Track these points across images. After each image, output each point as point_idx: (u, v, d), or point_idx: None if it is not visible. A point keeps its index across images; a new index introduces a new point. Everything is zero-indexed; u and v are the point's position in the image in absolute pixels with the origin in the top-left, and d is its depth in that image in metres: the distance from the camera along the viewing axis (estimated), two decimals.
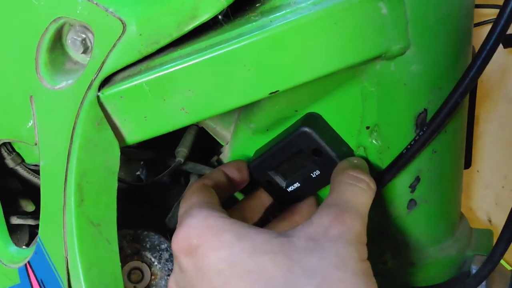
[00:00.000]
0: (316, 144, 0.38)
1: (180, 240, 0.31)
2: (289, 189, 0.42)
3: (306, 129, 0.38)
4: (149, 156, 0.43)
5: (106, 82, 0.33)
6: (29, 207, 0.43)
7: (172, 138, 0.48)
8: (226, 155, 0.46)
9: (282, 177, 0.42)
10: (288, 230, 0.32)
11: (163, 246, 0.35)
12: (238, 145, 0.45)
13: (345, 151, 0.40)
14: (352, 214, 0.32)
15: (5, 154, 0.38)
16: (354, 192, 0.34)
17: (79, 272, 0.31)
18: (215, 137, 0.46)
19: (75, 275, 0.31)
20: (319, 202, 0.44)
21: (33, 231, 0.46)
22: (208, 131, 0.46)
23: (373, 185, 0.35)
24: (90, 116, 0.32)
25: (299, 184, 0.42)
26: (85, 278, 0.31)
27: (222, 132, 0.46)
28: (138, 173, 0.45)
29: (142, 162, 0.45)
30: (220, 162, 0.47)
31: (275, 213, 0.44)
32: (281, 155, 0.40)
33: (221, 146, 0.48)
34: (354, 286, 0.29)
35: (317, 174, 0.40)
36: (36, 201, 0.44)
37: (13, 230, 0.40)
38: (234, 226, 0.31)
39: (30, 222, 0.42)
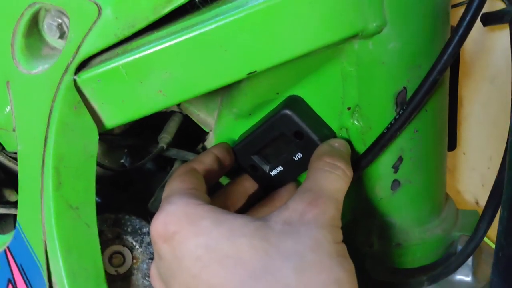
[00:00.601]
0: (297, 127, 0.38)
1: (158, 226, 0.31)
2: (273, 173, 0.42)
3: (287, 111, 0.38)
4: (132, 143, 0.43)
5: (83, 66, 0.33)
6: (13, 197, 0.43)
7: (156, 126, 0.48)
8: (211, 141, 0.46)
9: (265, 161, 0.42)
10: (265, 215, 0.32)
11: (144, 230, 0.35)
12: (222, 131, 0.45)
13: (327, 134, 0.40)
14: (326, 200, 0.32)
15: None
16: (330, 178, 0.34)
17: (57, 256, 0.31)
18: (199, 123, 0.46)
19: (54, 258, 0.31)
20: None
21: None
22: (192, 118, 0.46)
23: (349, 173, 0.36)
24: (66, 100, 0.32)
25: (282, 168, 0.42)
26: (64, 261, 0.31)
27: (206, 119, 0.46)
28: (122, 161, 0.45)
29: (126, 150, 0.45)
30: (205, 149, 0.47)
31: (258, 200, 0.44)
32: (264, 138, 0.40)
33: (206, 133, 0.48)
34: (329, 267, 0.29)
35: (299, 157, 0.40)
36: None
37: None
38: (212, 213, 0.31)
39: (14, 211, 0.42)
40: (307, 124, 0.38)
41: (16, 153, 0.40)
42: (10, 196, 0.43)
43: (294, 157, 0.40)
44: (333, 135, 0.40)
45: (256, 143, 0.41)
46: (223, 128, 0.45)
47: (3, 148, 0.38)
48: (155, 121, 0.47)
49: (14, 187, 0.44)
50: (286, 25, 0.32)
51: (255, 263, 0.28)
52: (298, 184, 0.44)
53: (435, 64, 0.35)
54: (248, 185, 0.43)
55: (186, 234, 0.30)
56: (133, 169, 0.42)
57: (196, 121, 0.46)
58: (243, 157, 0.42)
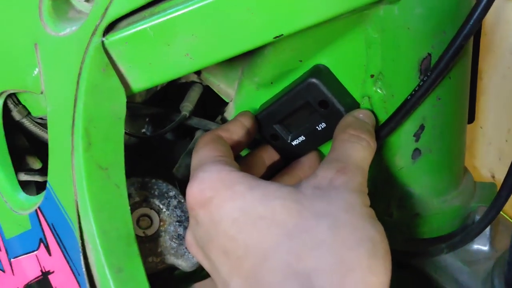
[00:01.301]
0: (323, 96, 0.39)
1: (195, 193, 0.32)
2: (294, 142, 0.42)
3: (314, 80, 0.38)
4: (154, 111, 0.43)
5: (110, 28, 0.33)
6: (36, 165, 0.43)
7: (176, 97, 0.48)
8: (231, 112, 0.47)
9: (287, 130, 0.42)
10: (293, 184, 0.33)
11: (171, 194, 0.35)
12: (242, 101, 0.45)
13: (352, 104, 0.40)
14: (354, 168, 0.33)
15: (11, 106, 0.38)
16: (355, 149, 0.35)
17: (89, 215, 0.31)
18: (219, 94, 0.46)
19: (86, 217, 0.31)
20: (321, 157, 0.44)
21: (39, 189, 0.47)
22: (212, 88, 0.46)
23: (373, 144, 0.36)
24: (95, 62, 0.33)
25: (304, 138, 0.42)
26: (95, 221, 0.31)
27: (226, 89, 0.46)
28: (143, 130, 0.45)
29: (147, 119, 0.45)
30: (224, 121, 0.47)
31: (279, 170, 0.45)
32: (287, 107, 0.40)
33: (225, 106, 0.48)
34: (362, 226, 0.29)
35: (323, 127, 0.40)
36: (43, 158, 0.44)
37: (20, 186, 0.41)
38: (246, 179, 0.32)
39: (38, 178, 0.42)
40: (333, 94, 0.39)
41: (41, 118, 0.40)
42: (33, 163, 0.43)
43: (317, 127, 0.40)
44: (357, 105, 0.40)
45: (279, 112, 0.41)
46: (243, 98, 0.45)
47: (29, 112, 0.39)
48: (175, 92, 0.47)
49: (38, 154, 0.44)
50: None
51: (289, 223, 0.29)
52: (319, 153, 0.44)
53: (460, 29, 0.35)
54: (268, 155, 0.43)
55: (222, 198, 0.30)
56: (155, 137, 0.42)
57: (216, 91, 0.46)
58: (265, 126, 0.42)
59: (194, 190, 0.32)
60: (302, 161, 0.43)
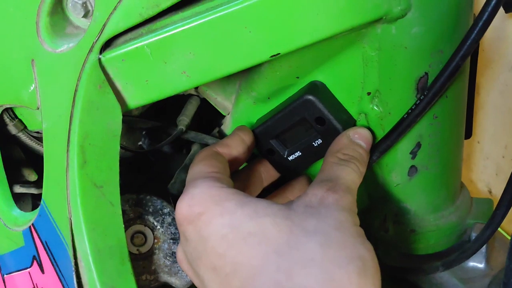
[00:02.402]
0: (319, 113, 0.38)
1: (183, 208, 0.31)
2: (290, 158, 0.42)
3: (310, 97, 0.38)
4: (150, 125, 0.43)
5: (107, 45, 0.33)
6: (32, 177, 0.43)
7: (173, 109, 0.48)
8: (228, 125, 0.46)
9: (284, 145, 0.42)
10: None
11: (165, 211, 0.35)
12: (240, 115, 0.45)
13: (348, 120, 0.40)
14: (343, 187, 0.33)
15: (7, 120, 0.38)
16: (345, 171, 0.35)
17: (83, 233, 0.31)
18: (216, 107, 0.46)
19: (79, 235, 0.31)
20: (310, 181, 0.44)
21: (35, 201, 0.47)
22: (210, 101, 0.46)
23: (362, 169, 0.37)
24: (92, 79, 0.32)
25: (300, 153, 0.42)
26: (89, 239, 0.31)
27: (224, 103, 0.46)
28: (140, 142, 0.45)
29: (144, 132, 0.45)
30: (221, 133, 0.47)
31: (275, 184, 0.45)
32: (284, 122, 0.40)
33: (222, 118, 0.48)
34: (353, 245, 0.29)
35: (319, 143, 0.40)
36: (38, 171, 0.44)
37: (15, 199, 0.40)
38: (236, 196, 0.32)
39: (33, 191, 0.42)
40: (329, 111, 0.39)
41: (37, 132, 0.40)
42: (29, 175, 0.43)
43: (313, 143, 0.40)
44: (353, 122, 0.40)
45: (275, 127, 0.41)
46: (241, 112, 0.45)
47: (25, 127, 0.39)
48: (172, 104, 0.47)
49: (34, 166, 0.44)
50: (311, 7, 0.32)
51: (279, 239, 0.28)
52: (308, 177, 0.44)
53: (458, 49, 0.35)
54: (264, 169, 0.43)
55: (211, 214, 0.30)
56: (152, 151, 0.42)
57: (213, 104, 0.46)
58: (261, 140, 0.42)
59: (183, 205, 0.31)
60: (292, 184, 0.43)
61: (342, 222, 0.30)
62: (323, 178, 0.34)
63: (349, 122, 0.40)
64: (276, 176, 0.44)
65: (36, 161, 0.43)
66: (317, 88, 0.39)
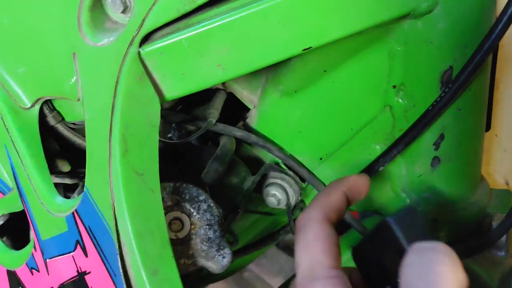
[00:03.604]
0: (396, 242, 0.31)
1: None
2: None
3: (389, 219, 0.31)
4: (180, 118, 0.44)
5: (146, 39, 0.35)
6: (65, 167, 0.45)
7: (199, 103, 0.49)
8: (253, 118, 0.48)
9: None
10: None
11: (201, 198, 0.36)
12: (266, 109, 0.46)
13: None
14: None
15: (46, 112, 0.39)
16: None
17: (126, 218, 0.32)
18: (242, 100, 0.47)
19: (122, 221, 0.32)
20: None
21: (66, 195, 0.48)
22: (236, 95, 0.47)
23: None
24: (132, 72, 0.34)
25: None
26: (131, 224, 0.32)
27: (250, 96, 0.47)
28: (169, 135, 0.46)
29: (173, 125, 0.46)
30: (246, 126, 0.49)
31: None
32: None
33: (246, 112, 0.49)
34: None
35: None
36: (72, 161, 0.45)
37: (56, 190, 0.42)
38: None
39: (67, 181, 0.44)
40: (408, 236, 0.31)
41: (74, 123, 0.42)
42: (62, 166, 0.44)
43: None
44: None
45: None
46: (267, 105, 0.46)
47: (63, 118, 0.40)
48: (196, 97, 0.49)
49: (67, 158, 0.45)
50: (343, 2, 0.33)
51: None
52: None
53: (482, 43, 0.36)
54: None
55: None
56: (183, 142, 0.43)
57: (239, 98, 0.47)
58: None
59: None
60: None
61: None
62: None
63: None
64: None
65: (69, 152, 0.44)
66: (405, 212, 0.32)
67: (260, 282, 1.23)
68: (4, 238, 0.50)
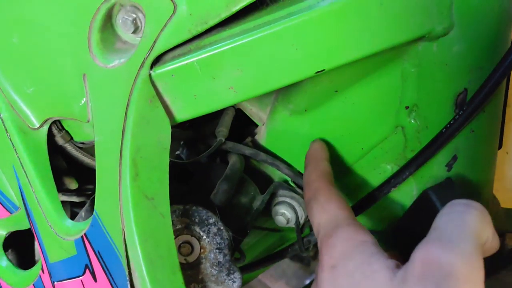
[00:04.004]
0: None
1: (326, 257, 0.33)
2: None
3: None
4: (189, 135, 0.44)
5: (156, 61, 0.34)
6: (73, 185, 0.44)
7: (207, 119, 0.49)
8: (262, 135, 0.47)
9: None
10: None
11: (211, 221, 0.36)
12: (275, 126, 0.46)
13: None
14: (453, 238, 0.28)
15: (55, 131, 0.39)
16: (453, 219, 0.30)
17: (136, 244, 0.32)
18: (251, 117, 0.47)
19: (132, 246, 0.32)
20: None
21: (73, 210, 0.48)
22: (245, 112, 0.47)
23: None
24: (143, 94, 0.33)
25: None
26: (142, 249, 0.32)
27: (259, 113, 0.47)
28: (178, 152, 0.46)
29: (182, 142, 0.46)
30: (254, 143, 0.48)
31: None
32: None
33: (253, 127, 0.49)
34: None
35: None
36: (79, 179, 0.45)
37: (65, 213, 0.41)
38: (363, 255, 0.31)
39: (74, 199, 0.43)
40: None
41: (82, 143, 0.41)
42: (70, 184, 0.44)
43: None
44: None
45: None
46: (276, 123, 0.46)
47: (71, 138, 0.40)
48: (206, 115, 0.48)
49: (74, 175, 0.45)
50: (357, 25, 0.33)
51: None
52: None
53: (498, 66, 0.36)
54: None
55: (339, 271, 0.31)
56: (192, 161, 0.43)
57: (248, 115, 0.47)
58: None
59: (326, 255, 0.33)
60: None
61: None
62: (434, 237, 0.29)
63: None
64: None
65: (76, 170, 0.44)
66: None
67: (262, 286, 1.23)
68: (9, 251, 0.50)
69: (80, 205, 0.46)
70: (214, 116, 0.48)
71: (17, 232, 0.47)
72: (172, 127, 0.44)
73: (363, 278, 0.30)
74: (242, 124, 0.50)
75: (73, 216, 0.47)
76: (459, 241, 0.28)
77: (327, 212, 0.36)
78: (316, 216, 0.36)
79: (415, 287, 0.27)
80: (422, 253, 0.28)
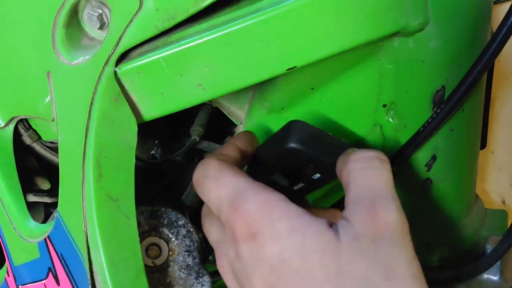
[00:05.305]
0: (306, 157, 0.35)
1: (241, 227, 0.30)
2: (295, 187, 0.38)
3: (293, 145, 0.34)
4: (163, 134, 0.43)
5: (123, 57, 0.33)
6: (45, 185, 0.43)
7: (185, 118, 0.48)
8: None
9: (285, 178, 0.38)
10: (332, 220, 0.30)
11: (180, 222, 0.35)
12: (253, 124, 0.45)
13: (341, 148, 0.35)
14: (383, 203, 0.29)
15: (22, 131, 0.38)
16: (370, 175, 0.31)
17: (99, 246, 0.31)
18: (229, 116, 0.46)
19: (95, 248, 0.31)
20: None
21: (48, 209, 0.47)
22: (223, 111, 0.46)
23: (383, 156, 0.32)
24: (107, 92, 0.32)
25: (303, 184, 0.38)
26: (104, 252, 0.31)
27: (236, 112, 0.46)
28: (152, 152, 0.45)
29: (156, 141, 0.45)
30: None
31: None
32: (277, 165, 0.37)
33: (234, 126, 0.48)
34: None
35: (318, 177, 0.37)
36: (52, 179, 0.44)
37: (28, 208, 0.40)
38: (289, 214, 0.29)
39: (46, 199, 0.42)
40: (317, 150, 0.34)
41: (51, 142, 0.40)
42: (42, 184, 0.43)
43: (313, 177, 0.37)
44: (348, 146, 0.35)
45: (271, 169, 0.37)
46: (254, 121, 0.45)
47: (40, 137, 0.39)
48: (184, 112, 0.47)
49: (47, 175, 0.44)
50: (329, 20, 0.32)
51: (326, 284, 0.27)
52: None
53: (475, 63, 0.34)
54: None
55: (265, 236, 0.29)
56: (165, 160, 0.42)
57: (226, 113, 0.46)
58: (261, 176, 0.37)
59: (240, 224, 0.29)
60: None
61: (392, 267, 0.27)
62: (356, 196, 0.30)
63: (342, 150, 0.35)
64: None
65: (48, 169, 0.43)
66: (297, 128, 0.35)
67: None
68: None
69: (55, 206, 0.45)
70: (191, 113, 0.47)
71: None
72: (147, 126, 0.43)
73: (303, 240, 0.28)
74: (223, 123, 0.49)
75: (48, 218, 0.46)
76: (393, 198, 0.30)
77: (225, 183, 0.32)
78: (213, 190, 0.32)
79: (368, 247, 0.28)
80: (364, 214, 0.29)
